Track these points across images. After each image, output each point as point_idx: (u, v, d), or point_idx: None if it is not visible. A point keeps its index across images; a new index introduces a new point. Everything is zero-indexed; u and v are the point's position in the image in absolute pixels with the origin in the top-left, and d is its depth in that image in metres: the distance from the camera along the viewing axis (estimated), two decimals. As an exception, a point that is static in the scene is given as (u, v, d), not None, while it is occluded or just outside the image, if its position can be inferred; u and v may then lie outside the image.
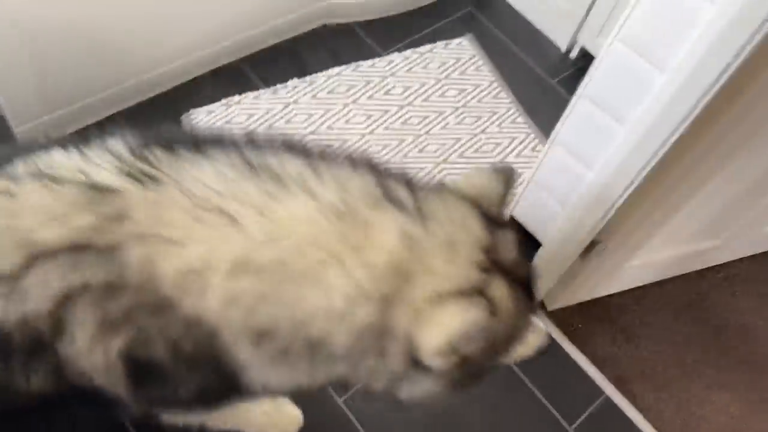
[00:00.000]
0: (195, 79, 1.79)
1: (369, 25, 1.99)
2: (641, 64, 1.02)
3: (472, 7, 2.10)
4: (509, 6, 2.11)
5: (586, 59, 1.88)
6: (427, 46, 1.96)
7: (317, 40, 1.94)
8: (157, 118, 1.71)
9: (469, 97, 1.89)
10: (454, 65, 1.94)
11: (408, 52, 1.94)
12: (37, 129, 1.57)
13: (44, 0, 1.35)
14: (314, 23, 1.94)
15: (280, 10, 1.82)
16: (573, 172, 1.31)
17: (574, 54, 2.01)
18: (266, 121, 1.75)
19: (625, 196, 1.21)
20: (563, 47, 2.02)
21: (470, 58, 1.96)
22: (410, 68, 1.91)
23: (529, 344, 0.91)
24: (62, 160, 0.75)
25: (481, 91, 1.91)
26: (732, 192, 1.40)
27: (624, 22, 1.01)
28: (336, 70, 1.87)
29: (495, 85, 1.93)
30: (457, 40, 1.99)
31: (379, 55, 1.93)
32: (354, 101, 1.83)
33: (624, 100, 1.10)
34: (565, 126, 1.28)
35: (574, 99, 1.22)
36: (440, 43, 1.98)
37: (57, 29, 1.42)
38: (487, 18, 2.08)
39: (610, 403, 1.51)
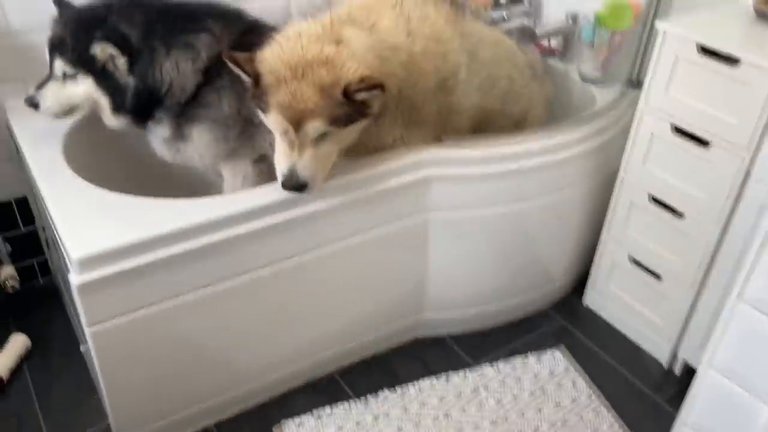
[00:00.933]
0: (289, 390, 1.85)
1: (460, 338, 2.04)
2: (740, 394, 0.96)
3: (564, 321, 2.13)
4: (602, 320, 2.13)
5: (690, 375, 1.80)
6: (519, 358, 1.96)
7: (409, 351, 1.99)
8: (247, 429, 1.73)
9: (566, 411, 1.81)
10: (549, 378, 1.90)
11: (500, 364, 1.94)
12: (136, 437, 1.62)
13: (161, 316, 1.51)
14: (407, 336, 2.02)
15: (375, 325, 1.92)
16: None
17: (677, 369, 1.93)
18: (355, 434, 1.73)
19: None
20: (664, 363, 1.96)
21: (565, 370, 1.93)
22: (503, 380, 1.89)
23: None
24: None
25: (579, 406, 1.83)
26: None
27: (715, 347, 0.99)
28: (427, 381, 1.88)
29: (593, 399, 1.85)
30: (549, 352, 1.99)
31: (470, 366, 1.93)
32: (445, 414, 1.79)
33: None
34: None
35: (676, 426, 1.13)
36: (532, 355, 1.97)
37: (169, 340, 1.55)
38: (580, 331, 2.09)
39: None
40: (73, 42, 1.58)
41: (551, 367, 1.94)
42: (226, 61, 1.48)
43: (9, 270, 1.96)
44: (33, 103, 1.64)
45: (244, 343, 1.68)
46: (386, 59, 1.52)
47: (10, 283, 1.95)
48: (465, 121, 1.79)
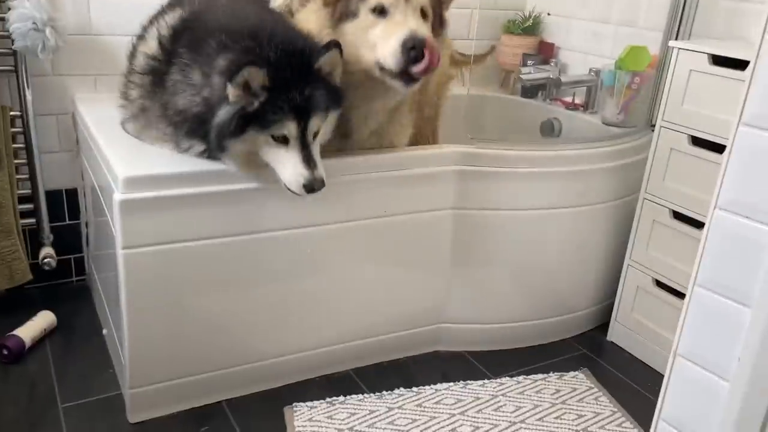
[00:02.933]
0: (304, 379, 1.82)
1: (480, 354, 2.01)
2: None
3: (586, 350, 2.08)
4: (627, 353, 2.07)
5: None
6: (541, 375, 1.91)
7: (428, 361, 1.96)
8: (261, 410, 1.69)
9: (589, 423, 1.73)
10: (570, 393, 1.84)
11: (520, 377, 1.89)
12: (148, 394, 1.60)
13: (186, 302, 1.57)
14: (427, 348, 1.99)
15: (395, 323, 1.91)
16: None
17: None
18: (368, 420, 1.67)
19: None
20: (691, 387, 1.88)
21: (587, 390, 1.86)
22: (522, 391, 1.83)
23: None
24: None
25: (603, 419, 1.75)
26: None
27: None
28: (445, 384, 1.83)
29: (618, 414, 1.77)
30: (572, 373, 1.93)
31: (489, 378, 1.88)
32: (462, 413, 1.72)
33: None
34: None
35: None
36: (554, 374, 1.92)
37: (195, 286, 1.59)
38: (604, 361, 2.04)
39: None
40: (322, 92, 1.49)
41: (573, 386, 1.88)
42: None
43: (48, 250, 2.04)
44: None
45: (265, 314, 1.69)
46: None
47: (47, 260, 2.02)
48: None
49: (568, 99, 2.50)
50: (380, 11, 1.50)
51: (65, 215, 2.14)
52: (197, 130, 1.50)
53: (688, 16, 2.10)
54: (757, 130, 0.85)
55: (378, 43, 1.50)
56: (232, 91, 1.39)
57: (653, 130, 2.02)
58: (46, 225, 2.05)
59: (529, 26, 2.63)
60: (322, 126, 1.50)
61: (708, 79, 1.75)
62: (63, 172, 2.09)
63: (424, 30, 1.50)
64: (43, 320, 1.91)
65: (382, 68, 1.51)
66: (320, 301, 1.77)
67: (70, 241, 2.16)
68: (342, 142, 1.69)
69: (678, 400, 1.02)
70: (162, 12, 1.71)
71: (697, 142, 1.81)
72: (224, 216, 1.54)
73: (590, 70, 2.44)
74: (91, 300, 2.13)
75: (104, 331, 1.94)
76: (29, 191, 2.01)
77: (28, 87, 1.90)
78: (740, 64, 1.68)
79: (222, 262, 1.58)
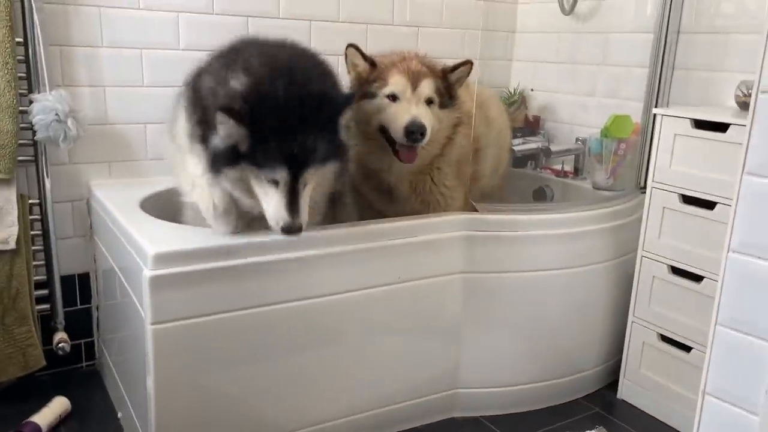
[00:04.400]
0: (326, 453, 1.82)
1: (496, 418, 2.02)
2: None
3: (599, 408, 2.11)
4: (639, 410, 2.11)
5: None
6: (558, 435, 1.93)
7: (445, 429, 1.98)
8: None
9: (611, 480, 1.74)
10: (590, 451, 1.86)
11: (538, 438, 1.91)
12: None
13: (212, 374, 1.60)
14: (443, 415, 2.01)
15: (410, 391, 1.93)
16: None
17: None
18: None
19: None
20: (706, 439, 1.91)
21: (606, 447, 1.88)
22: (543, 452, 1.85)
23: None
24: None
25: (624, 475, 1.76)
26: None
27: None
28: (465, 449, 1.84)
29: (638, 470, 1.79)
30: (589, 430, 1.95)
31: (509, 442, 1.90)
32: (485, 477, 1.73)
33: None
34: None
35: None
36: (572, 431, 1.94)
37: (219, 384, 1.61)
38: (617, 418, 2.06)
39: None
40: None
41: (592, 443, 1.90)
42: (351, 48, 1.86)
43: (62, 335, 2.05)
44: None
45: (286, 385, 1.71)
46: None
47: (61, 345, 2.02)
48: (487, 183, 2.03)
49: (558, 167, 2.63)
50: (393, 97, 1.80)
51: (77, 300, 2.16)
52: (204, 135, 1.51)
53: (664, 86, 2.27)
54: (758, 178, 0.95)
55: (390, 120, 1.78)
56: (219, 128, 1.42)
57: (643, 192, 2.14)
58: (60, 310, 2.07)
59: (514, 101, 2.79)
60: (317, 175, 1.51)
61: (692, 141, 1.89)
62: (76, 258, 2.13)
63: (423, 114, 1.77)
64: (58, 406, 1.90)
65: (387, 139, 1.80)
66: (338, 370, 1.79)
67: (80, 325, 2.17)
68: (387, 203, 1.93)
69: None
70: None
71: (687, 200, 1.92)
72: (247, 288, 1.59)
73: (576, 139, 2.58)
74: (102, 384, 2.12)
75: (120, 415, 1.93)
76: (44, 277, 2.04)
77: (47, 176, 1.97)
78: (720, 127, 1.82)
79: (245, 335, 1.61)
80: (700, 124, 1.87)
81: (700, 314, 1.91)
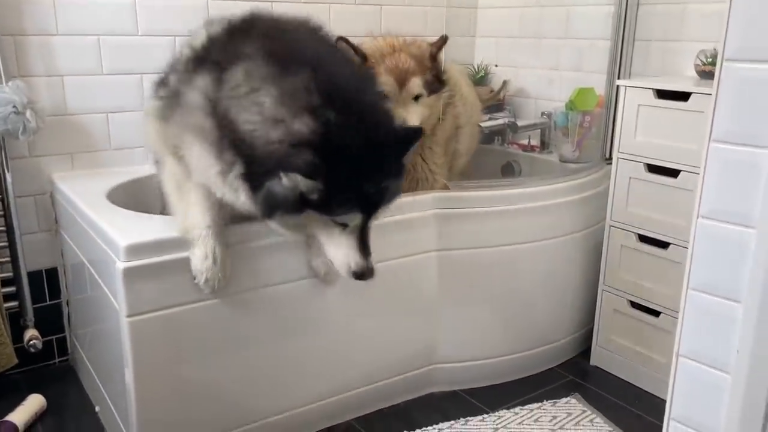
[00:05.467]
0: (308, 436, 1.83)
1: (474, 391, 2.06)
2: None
3: (573, 376, 2.17)
4: (612, 375, 2.17)
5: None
6: (535, 404, 1.97)
7: (426, 402, 2.00)
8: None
9: (588, 444, 1.79)
10: (567, 418, 1.90)
11: (516, 408, 1.95)
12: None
13: (191, 363, 1.58)
14: (423, 389, 2.04)
15: (390, 368, 1.95)
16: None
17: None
18: (378, 466, 1.69)
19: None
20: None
21: (582, 413, 1.93)
22: (521, 421, 1.88)
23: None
24: None
25: (601, 439, 1.82)
26: None
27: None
28: (447, 424, 1.87)
29: (614, 433, 1.84)
30: (564, 399, 2.00)
31: (488, 413, 1.93)
32: (467, 449, 1.77)
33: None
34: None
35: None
36: (547, 402, 1.98)
37: (198, 373, 1.60)
38: (592, 385, 2.12)
39: None
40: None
41: (568, 411, 1.95)
42: (341, 41, 1.76)
43: (33, 332, 2.01)
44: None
45: (266, 371, 1.71)
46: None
47: (33, 342, 1.99)
48: (464, 162, 2.04)
49: (524, 142, 2.66)
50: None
51: (46, 296, 2.12)
52: (249, 163, 1.30)
53: (627, 57, 2.30)
54: (724, 145, 0.98)
55: None
56: (284, 180, 1.25)
57: (609, 163, 2.18)
58: (29, 307, 2.02)
59: (480, 77, 2.80)
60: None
61: (655, 111, 1.92)
62: (42, 253, 2.08)
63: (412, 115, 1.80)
64: (33, 404, 1.87)
65: None
66: (317, 353, 1.80)
67: (51, 321, 2.13)
68: None
69: (685, 399, 1.10)
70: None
71: (652, 169, 1.96)
72: (223, 276, 1.58)
73: (542, 113, 2.61)
74: (77, 379, 2.09)
75: (97, 409, 1.91)
76: (10, 274, 1.99)
77: (7, 170, 1.92)
78: (682, 96, 1.86)
79: (222, 322, 1.60)
80: (662, 94, 1.90)
81: (667, 280, 1.96)
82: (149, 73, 2.12)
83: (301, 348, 1.75)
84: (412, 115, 1.79)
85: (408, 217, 1.86)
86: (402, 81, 1.80)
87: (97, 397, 1.91)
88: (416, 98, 1.83)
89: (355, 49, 1.82)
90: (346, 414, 1.90)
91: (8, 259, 1.98)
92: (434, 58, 1.86)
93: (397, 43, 1.88)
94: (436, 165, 1.95)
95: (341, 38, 1.79)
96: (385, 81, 1.78)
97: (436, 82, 1.86)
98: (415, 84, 1.81)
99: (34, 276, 2.07)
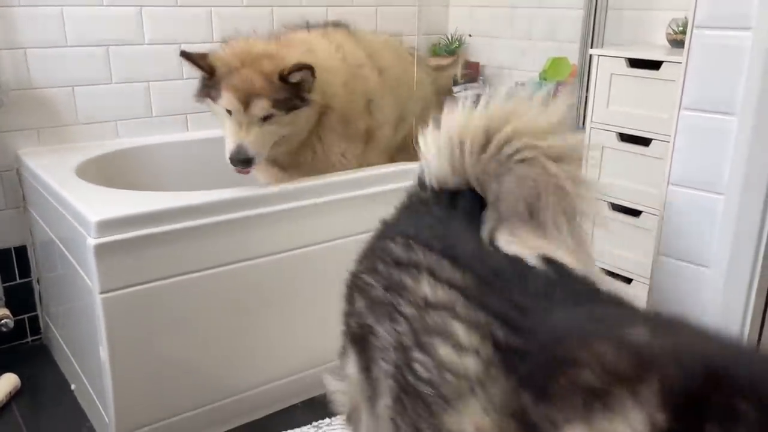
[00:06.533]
0: (288, 408, 1.84)
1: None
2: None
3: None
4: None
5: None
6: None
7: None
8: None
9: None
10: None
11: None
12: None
13: (166, 341, 1.57)
14: (399, 361, 2.05)
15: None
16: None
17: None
18: (356, 436, 1.71)
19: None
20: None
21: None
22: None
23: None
24: None
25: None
26: None
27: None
28: (423, 393, 1.89)
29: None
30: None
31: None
32: (444, 417, 1.79)
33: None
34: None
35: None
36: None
37: (175, 322, 1.59)
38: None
39: None
40: None
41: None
42: (183, 58, 1.69)
43: (3, 311, 1.98)
44: None
45: (242, 344, 1.71)
46: (327, 81, 1.78)
47: (4, 321, 1.96)
48: (390, 132, 2.03)
49: (499, 112, 2.66)
50: (228, 111, 1.68)
51: (15, 274, 2.08)
52: None
53: (599, 27, 2.30)
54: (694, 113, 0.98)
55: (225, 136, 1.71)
56: None
57: (582, 132, 2.19)
58: (-1, 286, 1.99)
59: (454, 48, 2.78)
60: None
61: (627, 80, 1.93)
62: (10, 230, 2.04)
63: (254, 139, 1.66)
64: (6, 383, 1.85)
65: None
66: (294, 327, 1.80)
67: (22, 300, 2.10)
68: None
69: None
70: None
71: (624, 138, 1.97)
72: (195, 251, 1.56)
73: (516, 83, 2.60)
74: (51, 358, 2.07)
75: (73, 387, 1.90)
76: (-22, 253, 1.96)
77: (-29, 146, 1.87)
78: (653, 65, 1.86)
79: (195, 297, 1.59)
80: (634, 63, 1.91)
81: (639, 248, 1.99)
82: (115, 45, 2.08)
83: (273, 323, 1.75)
84: (255, 139, 1.65)
85: (382, 189, 1.86)
86: (246, 100, 1.63)
87: (72, 375, 1.90)
88: (266, 118, 1.66)
89: (199, 64, 1.69)
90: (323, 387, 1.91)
91: (-25, 237, 1.94)
92: (284, 79, 1.66)
93: (248, 56, 1.69)
94: (339, 149, 1.88)
95: (183, 53, 1.70)
96: (228, 100, 1.64)
97: (295, 98, 1.69)
98: (260, 105, 1.64)
99: (3, 254, 2.04)
